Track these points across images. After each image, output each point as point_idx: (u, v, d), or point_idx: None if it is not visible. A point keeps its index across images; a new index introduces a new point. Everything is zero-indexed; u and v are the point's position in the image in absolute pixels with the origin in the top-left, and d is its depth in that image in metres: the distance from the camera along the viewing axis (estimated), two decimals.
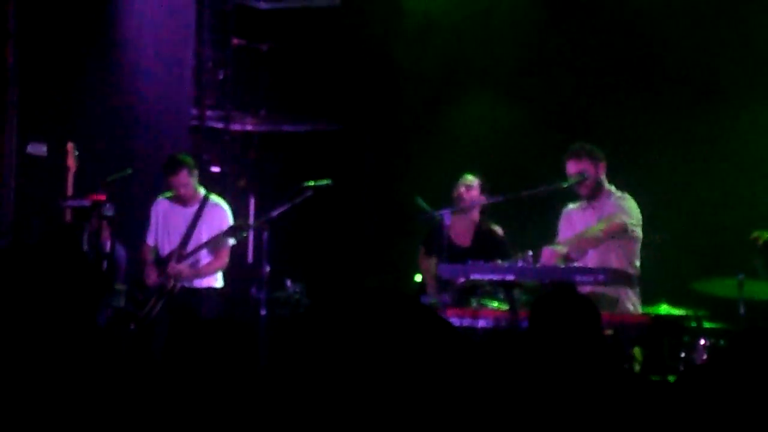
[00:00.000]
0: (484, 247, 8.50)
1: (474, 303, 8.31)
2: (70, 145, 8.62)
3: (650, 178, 8.74)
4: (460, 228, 8.72)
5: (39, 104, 9.59)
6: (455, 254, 8.34)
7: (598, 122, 9.52)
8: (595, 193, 7.81)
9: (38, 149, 8.96)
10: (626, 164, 8.39)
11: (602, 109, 9.68)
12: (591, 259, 7.64)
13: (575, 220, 7.96)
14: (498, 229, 8.77)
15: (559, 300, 4.07)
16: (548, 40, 9.99)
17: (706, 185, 9.22)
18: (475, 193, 8.69)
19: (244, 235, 8.85)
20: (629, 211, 7.71)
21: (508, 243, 8.59)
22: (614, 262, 7.56)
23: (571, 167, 7.78)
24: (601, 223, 7.62)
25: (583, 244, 7.58)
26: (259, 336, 8.10)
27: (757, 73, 9.32)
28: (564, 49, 9.98)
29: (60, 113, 9.68)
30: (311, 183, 8.47)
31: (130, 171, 8.66)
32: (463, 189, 8.67)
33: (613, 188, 7.86)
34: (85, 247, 8.46)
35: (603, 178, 7.82)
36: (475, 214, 8.82)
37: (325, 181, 8.48)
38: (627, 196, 7.82)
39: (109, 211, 8.30)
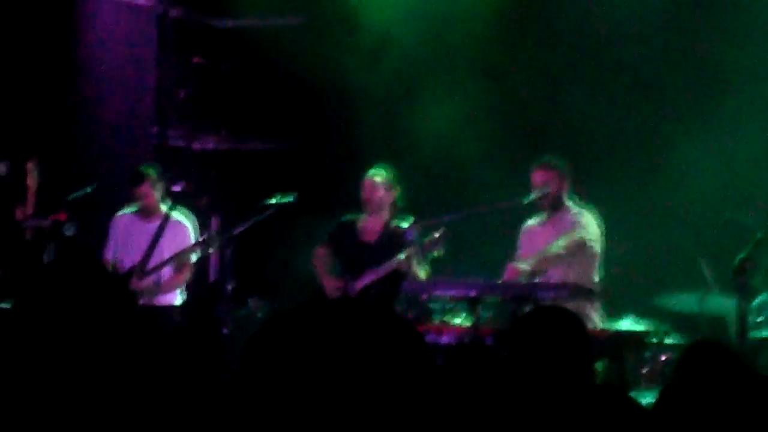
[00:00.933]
0: (389, 245, 8.39)
1: (437, 319, 8.32)
2: (30, 164, 8.56)
3: (614, 191, 8.78)
4: (370, 225, 8.60)
5: None
6: (359, 251, 8.36)
7: (560, 135, 9.56)
8: (555, 207, 7.87)
9: None
10: (590, 177, 8.42)
11: (563, 122, 9.73)
12: (552, 275, 7.69)
13: (535, 235, 8.01)
14: (405, 226, 8.49)
15: (547, 316, 4.03)
16: (504, 53, 10.02)
17: (671, 199, 9.27)
18: (381, 192, 8.55)
19: (211, 250, 8.80)
20: (587, 226, 7.77)
21: (413, 241, 8.40)
22: (574, 277, 7.60)
23: (537, 177, 7.84)
24: (561, 240, 7.67)
25: (545, 262, 7.63)
26: (219, 352, 8.07)
27: (718, 81, 9.40)
28: (520, 60, 10.02)
29: (21, 132, 9.62)
30: (274, 200, 8.46)
31: (90, 189, 8.60)
32: (368, 190, 8.52)
33: (572, 203, 7.91)
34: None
35: (565, 192, 7.88)
36: (385, 213, 8.59)
37: (288, 198, 8.46)
38: (585, 211, 7.87)
39: (69, 230, 8.25)
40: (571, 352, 3.86)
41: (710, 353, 4.02)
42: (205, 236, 8.72)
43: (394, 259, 8.12)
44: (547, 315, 4.06)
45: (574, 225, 7.74)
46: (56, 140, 9.83)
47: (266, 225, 8.54)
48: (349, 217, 8.61)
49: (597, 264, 7.83)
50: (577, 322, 4.01)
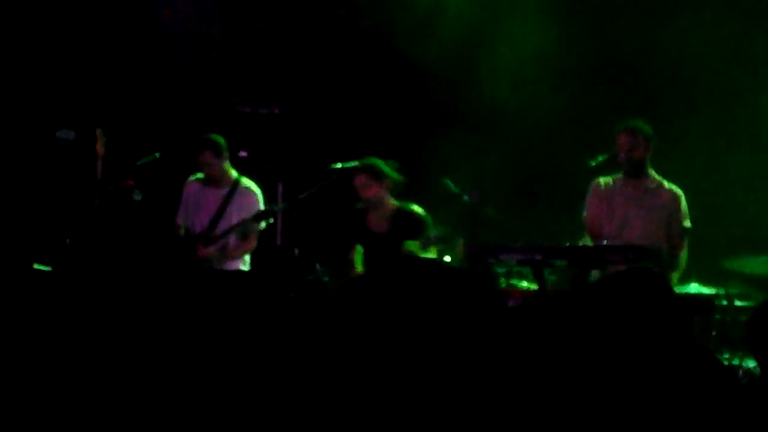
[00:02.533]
0: (402, 231, 8.36)
1: (503, 283, 8.32)
2: (97, 130, 8.65)
3: (679, 155, 8.69)
4: (375, 217, 8.56)
5: (68, 90, 9.63)
6: (373, 242, 8.35)
7: (624, 99, 9.47)
8: (637, 174, 7.77)
9: (67, 134, 8.98)
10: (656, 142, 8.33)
11: (629, 87, 9.65)
12: (635, 234, 7.60)
13: (611, 196, 7.85)
14: (416, 210, 8.48)
15: (635, 278, 3.97)
16: (563, 28, 9.94)
17: (736, 161, 9.17)
18: (371, 188, 8.44)
19: (272, 221, 8.83)
20: (681, 205, 7.73)
21: (426, 222, 8.36)
22: (656, 241, 7.53)
23: (622, 140, 7.73)
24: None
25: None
26: (285, 317, 8.12)
27: None
28: (580, 36, 9.93)
29: (88, 99, 9.71)
30: (339, 165, 8.47)
31: (158, 155, 8.68)
32: (360, 189, 8.45)
33: (653, 172, 7.81)
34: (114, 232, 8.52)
35: (648, 159, 7.80)
36: (388, 203, 8.54)
37: (353, 163, 8.46)
38: (673, 187, 7.79)
39: (137, 196, 8.34)
40: (661, 313, 3.82)
41: None
42: (271, 206, 8.74)
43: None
44: (635, 276, 3.99)
45: (676, 207, 7.68)
46: (124, 107, 9.92)
47: (332, 190, 8.56)
48: (358, 206, 8.57)
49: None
50: (665, 283, 3.95)
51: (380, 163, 8.42)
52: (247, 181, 8.75)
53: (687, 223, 7.74)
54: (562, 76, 9.85)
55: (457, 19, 10.08)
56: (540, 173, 9.72)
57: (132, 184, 8.52)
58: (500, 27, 10.04)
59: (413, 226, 8.33)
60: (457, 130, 10.07)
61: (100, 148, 8.61)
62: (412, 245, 8.19)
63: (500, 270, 8.68)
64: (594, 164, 7.78)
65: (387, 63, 10.52)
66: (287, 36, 11.06)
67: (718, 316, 7.72)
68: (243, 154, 9.48)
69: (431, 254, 8.29)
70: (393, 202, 8.49)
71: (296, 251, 8.44)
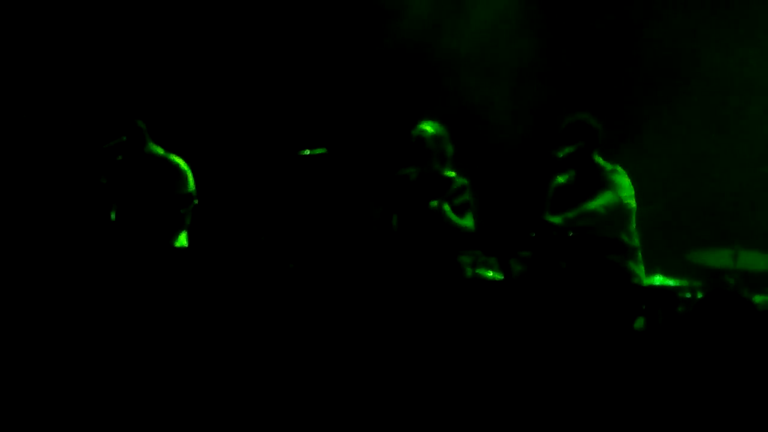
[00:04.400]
0: (431, 189, 8.35)
1: (470, 272, 8.35)
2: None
3: (643, 147, 8.75)
4: (420, 176, 8.64)
5: None
6: (407, 195, 8.40)
7: (593, 93, 9.52)
8: (585, 166, 7.83)
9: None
10: (619, 135, 8.39)
11: (597, 80, 9.70)
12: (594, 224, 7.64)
13: (565, 192, 7.96)
14: (451, 175, 8.38)
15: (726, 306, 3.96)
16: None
17: (700, 155, 9.24)
18: (430, 144, 8.41)
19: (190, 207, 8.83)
20: (622, 184, 7.72)
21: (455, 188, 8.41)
22: (610, 233, 7.58)
23: (569, 133, 7.78)
24: (599, 199, 7.63)
25: (581, 218, 7.59)
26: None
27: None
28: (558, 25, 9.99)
29: None
30: (307, 152, 8.42)
31: (125, 138, 8.70)
32: (416, 142, 8.33)
33: (601, 161, 7.87)
34: None
35: (595, 150, 7.85)
36: (433, 165, 8.47)
37: (321, 150, 8.41)
38: (618, 169, 7.83)
39: (102, 180, 8.35)
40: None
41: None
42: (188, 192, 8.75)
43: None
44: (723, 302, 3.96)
45: (608, 184, 7.70)
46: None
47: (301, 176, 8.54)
48: (402, 171, 8.54)
49: (633, 220, 7.80)
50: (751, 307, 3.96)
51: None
52: (175, 158, 8.81)
53: (627, 200, 7.71)
54: (536, 66, 9.90)
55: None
56: (508, 163, 9.75)
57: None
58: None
59: (444, 187, 8.30)
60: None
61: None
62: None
63: (466, 260, 8.71)
64: (561, 155, 7.81)
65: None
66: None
67: (681, 309, 7.78)
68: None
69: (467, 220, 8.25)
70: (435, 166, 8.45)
71: (263, 238, 8.38)
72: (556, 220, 7.44)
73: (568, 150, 7.78)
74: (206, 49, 10.68)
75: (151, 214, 8.55)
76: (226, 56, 10.70)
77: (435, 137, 8.27)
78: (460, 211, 8.12)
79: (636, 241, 7.67)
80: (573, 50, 9.96)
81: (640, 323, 7.16)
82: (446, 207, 8.03)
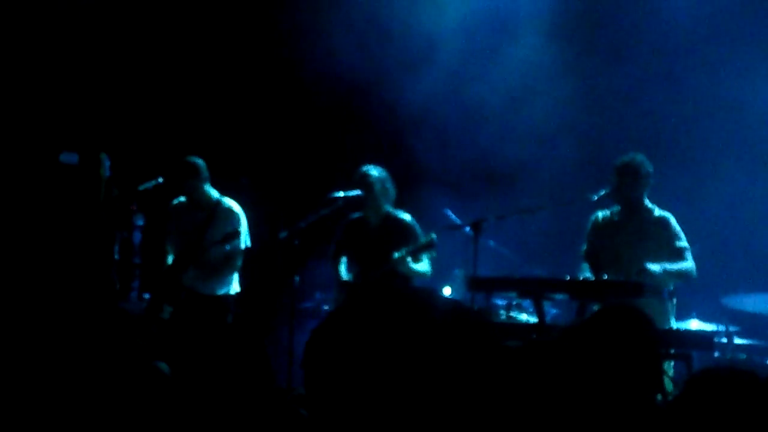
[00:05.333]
0: (390, 233, 8.48)
1: (502, 315, 8.32)
2: (101, 155, 8.67)
3: (679, 190, 8.68)
4: (371, 218, 8.69)
5: (72, 113, 9.68)
6: (363, 240, 8.45)
7: (633, 135, 9.48)
8: (635, 208, 7.76)
9: (70, 158, 9.01)
10: (658, 178, 8.33)
11: (635, 122, 9.67)
12: (633, 267, 7.57)
13: (611, 230, 7.84)
14: (405, 218, 8.56)
15: (619, 316, 3.94)
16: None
17: (738, 199, 9.17)
18: (378, 187, 8.52)
19: (235, 241, 8.76)
20: (679, 233, 7.67)
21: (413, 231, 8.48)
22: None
23: (620, 176, 7.71)
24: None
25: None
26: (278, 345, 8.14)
27: None
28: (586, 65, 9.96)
29: (92, 124, 9.76)
30: (340, 194, 8.46)
31: (161, 180, 8.69)
32: (364, 185, 8.54)
33: (649, 204, 7.80)
34: (117, 255, 8.51)
35: (645, 192, 7.78)
36: (383, 207, 8.66)
37: (355, 192, 8.45)
38: (670, 216, 7.75)
39: (139, 220, 8.36)
40: (638, 352, 3.80)
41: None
42: (235, 228, 8.69)
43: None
44: (616, 314, 3.97)
45: (673, 233, 7.64)
46: (126, 132, 9.97)
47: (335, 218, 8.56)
48: (352, 216, 8.66)
49: None
50: (646, 321, 3.94)
51: None
52: (228, 201, 8.75)
53: (681, 243, 7.65)
54: (563, 107, 9.88)
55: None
56: (540, 205, 9.73)
57: (134, 208, 8.54)
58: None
59: (402, 231, 8.40)
60: (455, 161, 10.11)
61: (103, 171, 8.63)
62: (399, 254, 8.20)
63: (500, 302, 8.68)
64: (596, 198, 7.78)
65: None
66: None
67: (717, 354, 7.70)
68: (244, 180, 9.47)
69: (424, 265, 8.30)
70: (385, 208, 8.55)
71: (297, 279, 8.39)
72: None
73: (603, 192, 7.75)
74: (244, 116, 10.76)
75: (204, 256, 8.52)
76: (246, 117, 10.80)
77: (380, 179, 8.41)
78: (418, 256, 8.22)
79: (671, 285, 7.62)
80: (606, 96, 9.94)
81: (669, 368, 7.11)
82: (408, 258, 8.11)
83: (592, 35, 10.09)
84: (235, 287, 8.74)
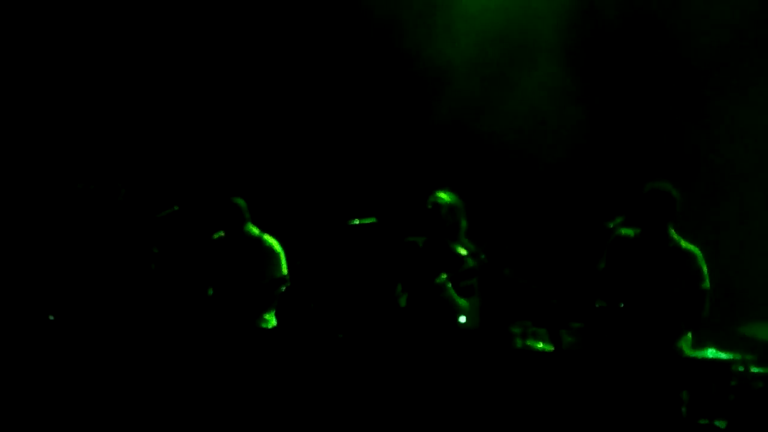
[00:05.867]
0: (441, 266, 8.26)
1: (519, 343, 8.29)
2: (118, 183, 8.72)
3: (700, 217, 8.66)
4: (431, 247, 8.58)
5: (89, 142, 9.74)
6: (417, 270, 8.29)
7: (652, 161, 9.48)
8: (659, 235, 7.69)
9: (88, 186, 9.04)
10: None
11: (647, 146, 9.69)
12: (651, 295, 7.54)
13: (633, 253, 7.75)
14: (462, 253, 8.26)
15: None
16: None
17: (755, 227, 9.15)
18: (444, 213, 8.26)
19: (283, 289, 8.79)
20: (703, 270, 7.62)
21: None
22: (672, 302, 7.48)
23: (648, 202, 7.65)
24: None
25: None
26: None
27: None
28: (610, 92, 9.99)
29: (109, 152, 9.82)
30: (356, 221, 8.44)
31: (177, 208, 8.73)
32: (431, 211, 8.27)
33: (674, 234, 7.71)
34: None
35: (671, 222, 7.72)
36: (447, 237, 8.40)
37: (370, 219, 8.43)
38: (696, 251, 7.68)
39: (155, 249, 8.40)
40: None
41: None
42: (284, 275, 8.73)
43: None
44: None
45: (697, 270, 7.59)
46: (142, 160, 10.02)
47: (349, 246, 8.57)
48: (411, 239, 8.51)
49: None
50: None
51: None
52: (269, 239, 8.82)
53: (705, 285, 7.60)
54: (583, 130, 9.90)
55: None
56: (557, 233, 9.73)
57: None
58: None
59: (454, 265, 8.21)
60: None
61: (119, 199, 8.68)
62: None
63: (516, 330, 8.65)
64: (612, 226, 7.75)
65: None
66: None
67: (734, 383, 7.67)
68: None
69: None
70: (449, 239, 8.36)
71: (312, 306, 8.40)
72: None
73: (618, 220, 7.72)
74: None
75: (245, 293, 8.59)
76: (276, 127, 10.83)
77: (450, 207, 8.21)
78: (464, 293, 8.05)
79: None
80: (620, 118, 9.95)
81: (685, 396, 7.08)
82: (449, 285, 7.95)
83: (611, 61, 10.11)
84: (273, 322, 8.85)
